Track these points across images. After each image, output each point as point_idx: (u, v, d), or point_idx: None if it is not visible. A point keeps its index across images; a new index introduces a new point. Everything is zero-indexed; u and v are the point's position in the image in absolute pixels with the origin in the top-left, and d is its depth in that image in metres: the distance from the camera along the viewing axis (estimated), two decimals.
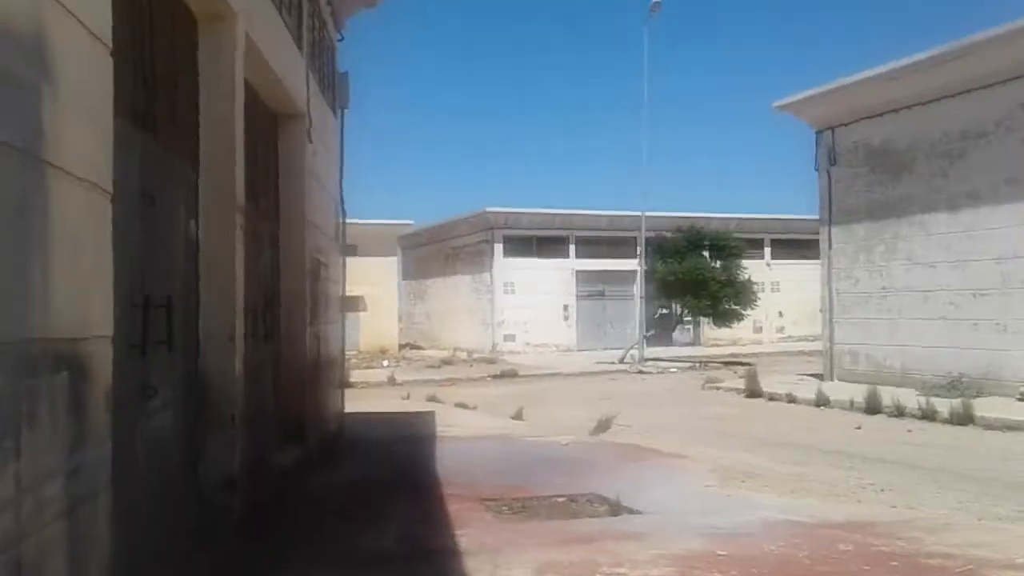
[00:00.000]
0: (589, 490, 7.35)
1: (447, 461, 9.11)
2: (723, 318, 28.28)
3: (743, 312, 28.54)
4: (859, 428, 13.03)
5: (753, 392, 17.44)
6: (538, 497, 7.14)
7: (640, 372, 25.20)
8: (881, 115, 17.30)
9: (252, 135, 7.23)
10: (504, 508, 6.78)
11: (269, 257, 8.05)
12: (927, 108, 16.31)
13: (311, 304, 8.88)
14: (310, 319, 8.81)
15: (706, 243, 28.48)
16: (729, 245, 28.81)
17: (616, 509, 6.50)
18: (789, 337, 39.55)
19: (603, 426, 12.03)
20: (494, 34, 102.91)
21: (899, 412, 14.03)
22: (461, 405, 16.10)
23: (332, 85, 11.26)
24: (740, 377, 20.74)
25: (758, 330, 38.53)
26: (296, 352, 8.54)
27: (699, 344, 37.42)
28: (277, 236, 8.39)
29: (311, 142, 9.00)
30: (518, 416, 14.01)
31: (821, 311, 19.87)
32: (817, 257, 41.34)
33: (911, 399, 14.20)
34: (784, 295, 38.67)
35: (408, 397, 17.48)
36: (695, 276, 27.21)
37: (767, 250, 39.80)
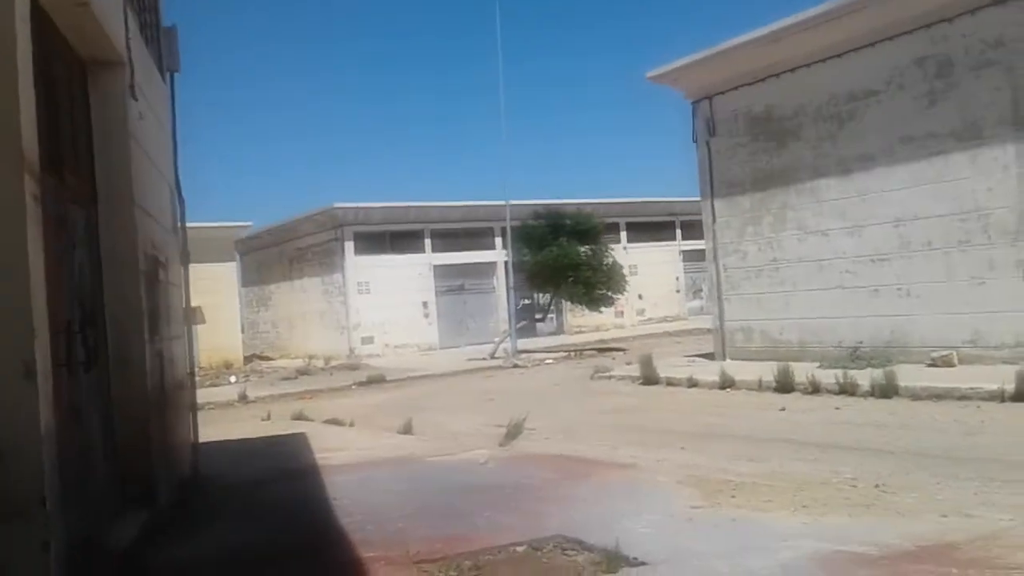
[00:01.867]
0: (552, 530, 5.60)
1: (346, 502, 7.11)
2: (596, 303, 27.22)
3: (613, 296, 27.59)
4: (783, 410, 11.94)
5: (649, 379, 16.22)
6: (490, 549, 5.31)
7: (515, 366, 23.68)
8: (763, 80, 16.47)
9: (48, 81, 5.00)
10: (452, 573, 4.91)
11: (85, 254, 5.79)
12: (811, 70, 15.57)
13: (149, 315, 6.64)
14: (149, 335, 6.57)
15: (567, 228, 27.25)
16: (593, 229, 27.77)
17: (610, 560, 4.77)
18: (650, 319, 39.33)
19: (512, 433, 10.31)
20: (343, 18, 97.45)
21: (815, 389, 13.10)
22: (334, 422, 13.94)
23: (157, 39, 8.90)
24: (628, 364, 19.61)
25: (619, 314, 37.97)
26: (133, 380, 6.29)
27: (563, 333, 36.46)
28: (96, 225, 6.11)
29: (136, 100, 6.74)
30: (407, 430, 12.05)
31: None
32: (671, 239, 41.82)
33: (827, 375, 13.33)
34: (642, 278, 38.24)
35: (269, 417, 15.09)
36: (565, 262, 25.95)
37: (623, 234, 39.33)
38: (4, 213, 3.55)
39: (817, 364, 14.88)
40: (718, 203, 17.89)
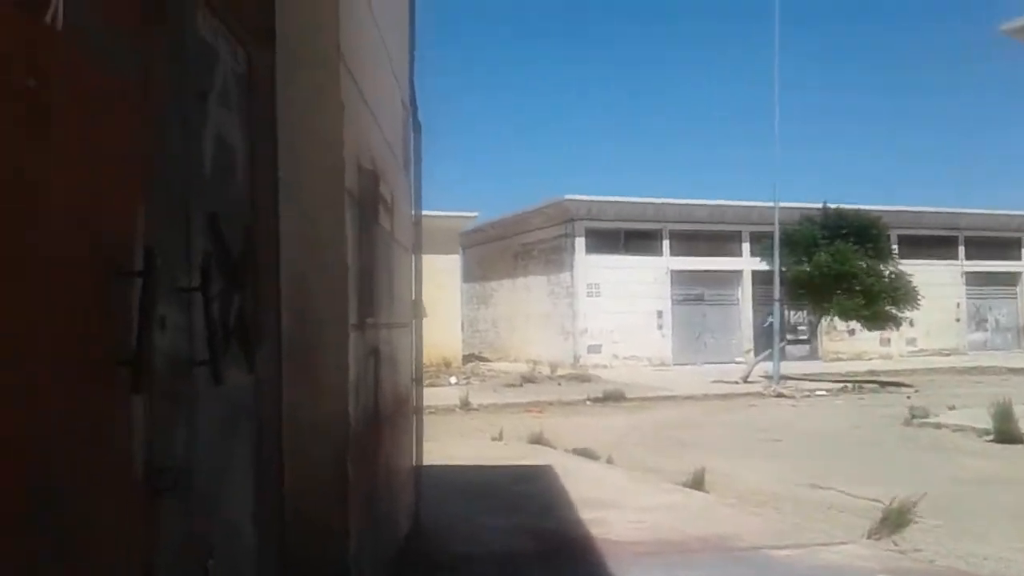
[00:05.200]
0: None
1: None
2: (878, 321, 22.38)
3: (900, 315, 22.61)
4: None
5: (1008, 435, 11.78)
6: None
7: (780, 395, 19.58)
8: None
9: None
10: None
11: (238, 141, 2.80)
12: None
13: (359, 282, 3.62)
14: (358, 317, 3.56)
15: (846, 231, 22.59)
16: (877, 232, 22.98)
17: None
18: (921, 351, 33.41)
19: (895, 520, 6.55)
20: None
21: None
22: (585, 453, 10.75)
23: None
24: (951, 409, 15.08)
25: (885, 342, 32.46)
26: (324, 393, 3.28)
27: (817, 359, 31.51)
28: (265, 90, 3.14)
29: None
30: (697, 483, 8.58)
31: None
32: (953, 257, 35.51)
33: None
34: None
35: (501, 437, 12.16)
36: (839, 270, 21.41)
37: (894, 247, 33.75)
38: None
39: None
40: None
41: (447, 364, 28.03)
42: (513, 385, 21.66)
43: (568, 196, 30.07)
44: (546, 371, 25.48)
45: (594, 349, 29.49)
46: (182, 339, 2.18)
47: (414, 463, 6.40)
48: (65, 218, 1.59)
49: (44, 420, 1.51)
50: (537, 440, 11.71)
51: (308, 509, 3.18)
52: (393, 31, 5.44)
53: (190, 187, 2.30)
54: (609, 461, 10.32)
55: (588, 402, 18.50)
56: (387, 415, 4.70)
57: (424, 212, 6.75)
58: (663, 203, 30.96)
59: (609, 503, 7.53)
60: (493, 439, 12.09)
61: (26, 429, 1.45)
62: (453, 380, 22.87)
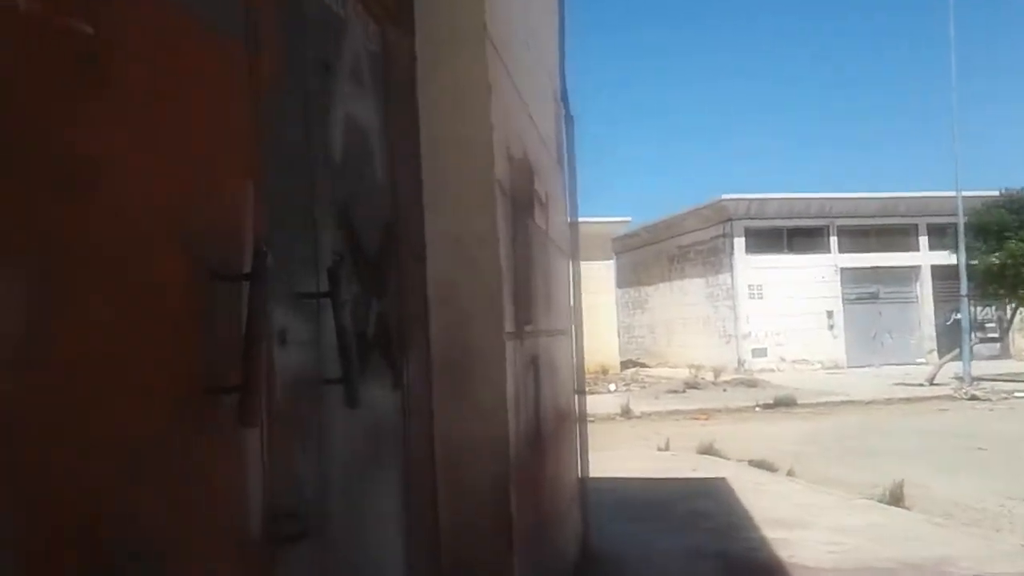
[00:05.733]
0: None
1: None
2: None
3: None
4: None
5: None
6: None
7: (974, 398, 17.82)
8: None
9: None
10: None
11: (374, 127, 2.45)
12: None
13: (515, 284, 3.20)
14: (516, 323, 3.15)
15: None
16: None
17: None
18: None
19: None
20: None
21: None
22: (761, 464, 9.97)
23: None
24: None
25: None
26: (480, 409, 2.87)
27: (1009, 357, 28.74)
28: (407, 65, 2.78)
29: None
30: (895, 497, 7.67)
31: None
32: None
33: None
34: None
35: (667, 447, 11.52)
36: None
37: None
38: None
39: None
40: None
41: (604, 371, 27.46)
42: (675, 391, 20.86)
43: (726, 195, 28.90)
44: (709, 376, 24.45)
45: (759, 353, 28.14)
46: (307, 355, 1.82)
47: (579, 479, 5.97)
48: (146, 210, 1.24)
49: (130, 463, 1.16)
50: (707, 450, 11.01)
51: (464, 549, 2.78)
52: (542, 16, 5.05)
53: (314, 174, 1.94)
54: (790, 474, 9.50)
55: (757, 408, 17.48)
56: (550, 431, 4.27)
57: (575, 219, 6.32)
58: (829, 198, 29.24)
59: (796, 522, 6.81)
60: (659, 449, 11.47)
61: (108, 475, 1.11)
62: (612, 387, 22.30)
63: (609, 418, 15.98)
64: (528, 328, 3.54)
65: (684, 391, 20.90)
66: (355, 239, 2.15)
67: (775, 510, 7.40)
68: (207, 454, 1.37)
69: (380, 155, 2.46)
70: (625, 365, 31.01)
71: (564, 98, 5.82)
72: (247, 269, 1.47)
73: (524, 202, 3.29)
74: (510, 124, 3.37)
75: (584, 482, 6.12)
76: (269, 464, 1.56)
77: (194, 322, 1.36)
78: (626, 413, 16.55)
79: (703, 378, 24.02)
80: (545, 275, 4.35)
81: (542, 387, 3.96)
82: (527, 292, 3.26)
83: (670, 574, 5.34)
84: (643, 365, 32.58)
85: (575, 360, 6.09)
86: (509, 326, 3.03)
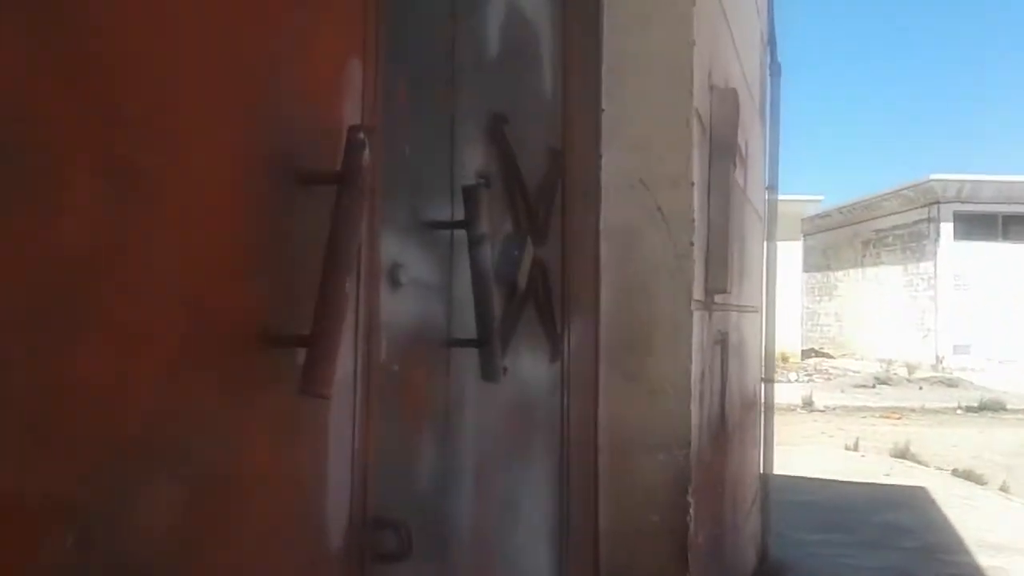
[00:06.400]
0: None
1: None
2: None
3: None
4: None
5: None
6: None
7: None
8: None
9: None
10: None
11: (550, 24, 1.93)
12: None
13: (708, 240, 2.61)
14: (704, 288, 2.57)
15: None
16: None
17: None
18: None
19: None
20: None
21: None
22: (966, 476, 8.79)
23: None
24: None
25: None
26: (659, 391, 2.33)
27: None
28: None
29: None
30: None
31: None
32: None
33: None
34: None
35: (856, 447, 10.45)
36: None
37: None
38: None
39: None
40: None
41: (784, 359, 25.87)
42: (864, 386, 19.28)
43: (934, 175, 26.39)
44: (902, 372, 22.50)
45: (961, 350, 25.62)
46: (431, 304, 1.35)
47: (761, 476, 5.31)
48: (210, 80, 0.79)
49: (137, 444, 0.73)
50: (903, 454, 9.88)
51: (627, 561, 2.26)
52: None
53: (457, 69, 1.45)
54: (1003, 489, 8.30)
55: (959, 411, 15.77)
56: (735, 423, 3.65)
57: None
58: None
59: (1015, 548, 5.81)
60: (847, 448, 10.42)
61: (100, 464, 0.67)
62: (793, 377, 20.95)
63: (789, 409, 14.86)
64: (719, 300, 2.94)
65: (874, 386, 19.28)
66: (508, 162, 1.65)
67: (988, 531, 6.39)
68: (259, 435, 0.92)
69: (550, 63, 1.95)
70: (806, 354, 29.18)
71: (771, 42, 5.08)
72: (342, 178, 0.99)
73: (726, 145, 2.68)
74: (714, 48, 2.76)
75: (767, 478, 5.44)
76: (362, 453, 1.10)
77: (253, 239, 0.90)
78: (808, 405, 15.38)
79: (895, 373, 22.13)
80: (741, 240, 3.71)
81: (729, 370, 3.34)
82: (721, 256, 2.66)
83: None
84: (827, 355, 30.57)
85: (763, 343, 5.40)
86: (698, 293, 2.45)
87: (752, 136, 4.22)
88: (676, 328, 2.32)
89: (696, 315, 2.41)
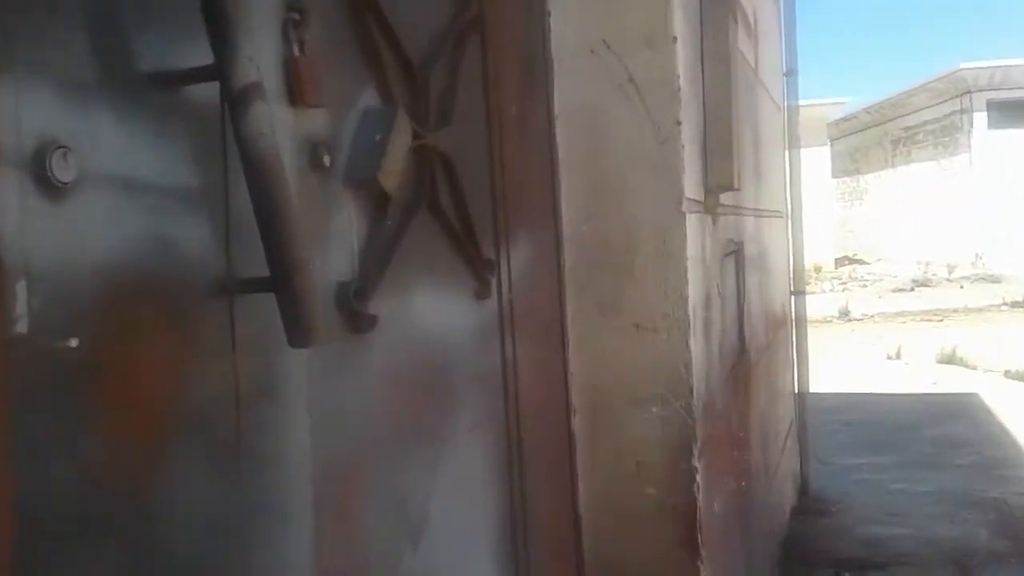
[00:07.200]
0: None
1: None
2: None
3: None
4: None
5: None
6: None
7: None
8: None
9: None
10: None
11: None
12: None
13: (704, 118, 1.97)
14: (703, 183, 1.95)
15: None
16: None
17: None
18: None
19: None
20: None
21: None
22: (1021, 377, 8.16)
23: None
24: None
25: None
26: (642, 328, 1.74)
27: None
28: None
29: None
30: None
31: None
32: None
33: None
34: None
35: (898, 355, 9.82)
36: None
37: None
38: None
39: None
40: None
41: (817, 270, 25.08)
42: (902, 290, 18.53)
43: (964, 64, 25.05)
44: (942, 272, 21.66)
45: (1001, 243, 24.63)
46: (168, 219, 0.76)
47: (796, 396, 4.75)
48: None
49: None
50: (949, 359, 9.24)
51: (622, 550, 1.70)
52: None
53: None
54: None
55: (1004, 307, 15.03)
56: (760, 348, 3.06)
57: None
58: None
59: None
60: (888, 357, 9.79)
61: None
62: (827, 288, 20.22)
63: (826, 321, 14.20)
64: (726, 201, 2.31)
65: (912, 289, 18.52)
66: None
67: None
68: None
69: None
70: (840, 263, 28.31)
71: None
72: None
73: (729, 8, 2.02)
74: None
75: (803, 401, 4.88)
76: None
77: None
78: (845, 315, 14.71)
79: (934, 274, 21.31)
80: (754, 130, 3.06)
81: (748, 287, 2.74)
82: (724, 140, 2.02)
83: (921, 531, 4.03)
84: (861, 262, 29.65)
85: (791, 252, 4.78)
86: (693, 191, 1.84)
87: (762, 6, 3.52)
88: (664, 238, 1.72)
89: (692, 219, 1.80)
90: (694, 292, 1.78)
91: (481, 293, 1.37)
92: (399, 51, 1.13)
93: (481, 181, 1.41)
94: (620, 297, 1.74)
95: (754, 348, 2.88)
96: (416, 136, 1.15)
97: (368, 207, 1.05)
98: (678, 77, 1.72)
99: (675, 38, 1.71)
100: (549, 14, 1.73)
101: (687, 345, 1.73)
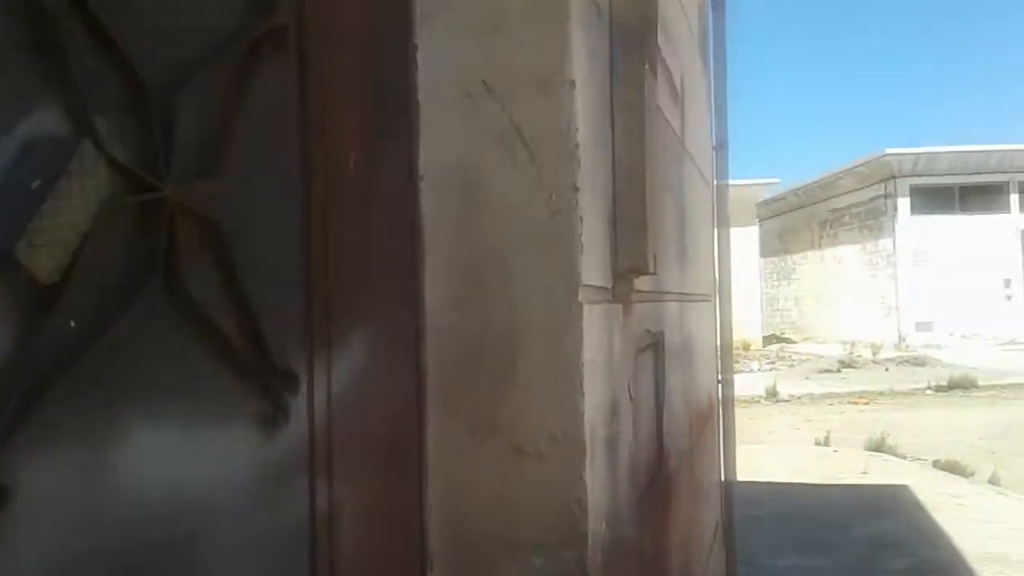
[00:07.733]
0: None
1: None
2: None
3: None
4: None
5: None
6: None
7: None
8: None
9: None
10: None
11: None
12: None
13: (613, 182, 1.61)
14: (611, 262, 1.57)
15: None
16: None
17: None
18: None
19: None
20: None
21: None
22: (949, 467, 7.97)
23: None
24: None
25: None
26: (524, 450, 1.34)
27: None
28: None
29: None
30: None
31: None
32: None
33: None
34: None
35: (827, 441, 9.59)
36: None
37: None
38: None
39: None
40: None
41: (746, 348, 25.15)
42: (828, 371, 18.57)
43: (889, 150, 25.89)
44: (866, 353, 21.90)
45: (923, 327, 25.16)
46: None
47: (722, 485, 4.39)
48: None
49: None
50: (878, 446, 9.05)
51: None
52: None
53: None
54: (992, 481, 7.48)
55: (929, 391, 15.10)
56: (682, 453, 2.67)
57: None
58: (1011, 150, 25.67)
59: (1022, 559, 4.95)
60: (817, 443, 9.57)
61: None
62: (755, 367, 20.21)
63: (753, 401, 14.07)
64: (642, 285, 1.93)
65: (839, 370, 18.59)
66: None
67: (988, 537, 5.55)
68: None
69: None
70: (768, 340, 28.54)
71: None
72: None
73: (635, 29, 1.68)
74: None
75: (730, 493, 4.51)
76: None
77: None
78: (772, 395, 14.59)
79: (859, 355, 21.52)
80: (679, 202, 2.73)
81: (668, 385, 2.36)
82: (637, 212, 1.66)
83: None
84: (788, 341, 29.98)
85: (719, 338, 4.46)
86: (595, 275, 1.45)
87: (690, 73, 3.24)
88: (554, 336, 1.32)
89: (594, 312, 1.41)
90: (593, 404, 1.38)
91: (273, 420, 0.94)
92: (118, 60, 0.73)
93: (286, 257, 1.00)
94: (496, 412, 1.32)
95: (675, 453, 2.50)
96: (146, 187, 0.74)
97: (13, 301, 0.62)
98: (576, 131, 1.34)
99: (573, 82, 1.34)
100: (416, 47, 1.36)
101: (581, 476, 1.32)
